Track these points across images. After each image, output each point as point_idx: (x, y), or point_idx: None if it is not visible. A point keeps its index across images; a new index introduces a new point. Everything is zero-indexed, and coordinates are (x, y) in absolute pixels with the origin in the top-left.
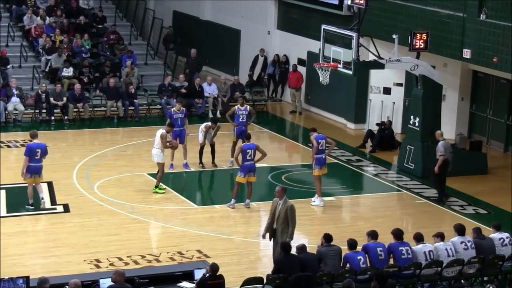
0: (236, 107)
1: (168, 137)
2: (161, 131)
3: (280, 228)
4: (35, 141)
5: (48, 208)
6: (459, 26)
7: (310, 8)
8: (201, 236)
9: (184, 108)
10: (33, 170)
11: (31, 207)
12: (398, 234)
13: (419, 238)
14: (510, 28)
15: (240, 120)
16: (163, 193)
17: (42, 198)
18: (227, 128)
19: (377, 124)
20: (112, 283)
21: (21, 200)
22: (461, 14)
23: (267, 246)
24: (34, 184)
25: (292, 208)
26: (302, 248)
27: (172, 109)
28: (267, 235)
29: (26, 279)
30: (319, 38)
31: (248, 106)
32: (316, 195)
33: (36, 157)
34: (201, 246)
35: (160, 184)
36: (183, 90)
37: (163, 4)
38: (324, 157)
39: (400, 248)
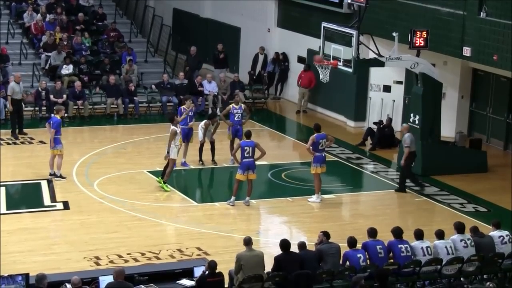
0: (231, 105)
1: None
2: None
3: None
4: (55, 115)
5: (48, 206)
6: (459, 24)
7: (310, 5)
8: (201, 234)
9: (193, 105)
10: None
11: (49, 177)
12: (397, 232)
13: (419, 235)
14: (510, 26)
15: (235, 119)
16: (169, 191)
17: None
18: (225, 126)
19: (374, 123)
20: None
21: (21, 197)
22: (461, 12)
23: (267, 244)
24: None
25: None
26: (302, 246)
27: (182, 107)
28: None
29: (26, 276)
30: (319, 36)
31: (243, 105)
32: (315, 193)
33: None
34: (201, 244)
35: (166, 184)
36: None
37: (163, 2)
38: (323, 155)
39: (399, 246)
